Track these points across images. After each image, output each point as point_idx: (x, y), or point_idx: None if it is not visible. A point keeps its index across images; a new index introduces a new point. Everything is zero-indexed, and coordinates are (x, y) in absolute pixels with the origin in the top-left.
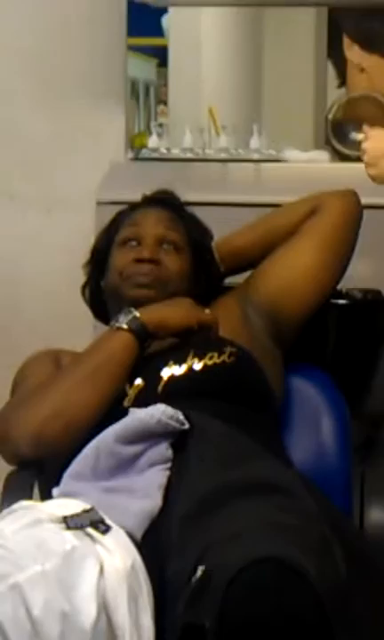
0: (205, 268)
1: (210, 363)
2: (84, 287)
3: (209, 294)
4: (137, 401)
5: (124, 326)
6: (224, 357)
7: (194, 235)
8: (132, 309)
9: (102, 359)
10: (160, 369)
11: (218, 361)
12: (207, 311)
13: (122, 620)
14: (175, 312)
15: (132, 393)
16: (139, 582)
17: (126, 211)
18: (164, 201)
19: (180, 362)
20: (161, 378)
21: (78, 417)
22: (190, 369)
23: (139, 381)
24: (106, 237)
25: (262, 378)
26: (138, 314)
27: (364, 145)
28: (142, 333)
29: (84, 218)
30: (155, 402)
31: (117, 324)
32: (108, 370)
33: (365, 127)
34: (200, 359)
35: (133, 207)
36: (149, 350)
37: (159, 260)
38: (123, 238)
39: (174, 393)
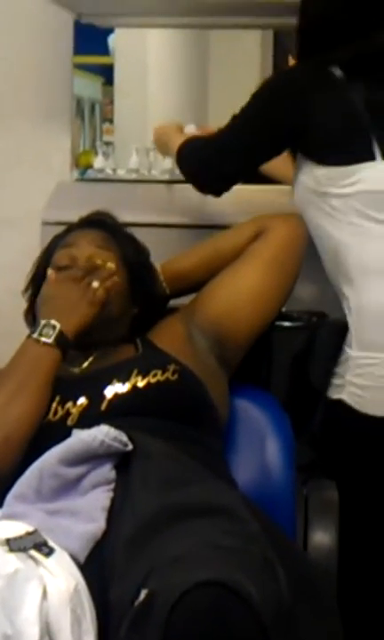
0: (142, 286)
1: (153, 380)
2: (26, 313)
3: (153, 315)
4: (81, 419)
5: (50, 341)
6: (168, 375)
7: (128, 253)
8: (53, 321)
9: (31, 375)
10: (104, 387)
11: (161, 378)
12: (95, 284)
13: None
14: (79, 306)
15: (75, 412)
16: (82, 605)
17: (61, 234)
18: (98, 222)
19: (123, 380)
20: (104, 396)
21: (16, 431)
22: (134, 387)
23: (82, 400)
24: (42, 259)
25: (206, 396)
26: (58, 324)
27: None
28: (64, 343)
29: (29, 238)
30: (98, 420)
31: (43, 340)
32: (38, 385)
33: None
34: (144, 377)
35: (68, 230)
36: (93, 368)
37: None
38: (56, 261)
39: (118, 411)
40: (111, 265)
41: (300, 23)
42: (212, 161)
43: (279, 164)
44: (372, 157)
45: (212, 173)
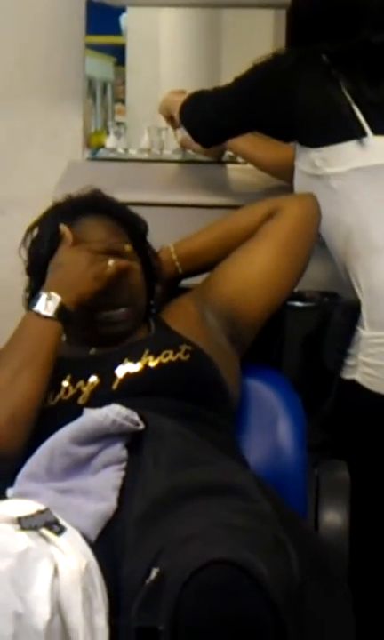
0: (149, 266)
1: (165, 360)
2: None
3: (165, 295)
4: (92, 399)
5: (51, 314)
6: (179, 355)
7: (138, 242)
8: (53, 294)
9: (33, 349)
10: (115, 367)
11: (173, 359)
12: (110, 262)
13: (76, 621)
14: (84, 279)
15: (86, 390)
16: (93, 584)
17: (63, 219)
18: (100, 207)
19: (135, 359)
20: (116, 375)
21: (21, 409)
22: (146, 366)
23: (93, 379)
24: (49, 248)
25: (218, 376)
26: (59, 297)
27: None
28: (66, 316)
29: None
30: (110, 399)
31: (44, 313)
32: (41, 360)
33: None
34: (155, 357)
35: (69, 214)
36: (104, 348)
37: (121, 282)
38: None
39: (129, 391)
40: (136, 266)
41: (289, 18)
42: (208, 114)
43: (245, 144)
44: (361, 134)
45: (206, 125)
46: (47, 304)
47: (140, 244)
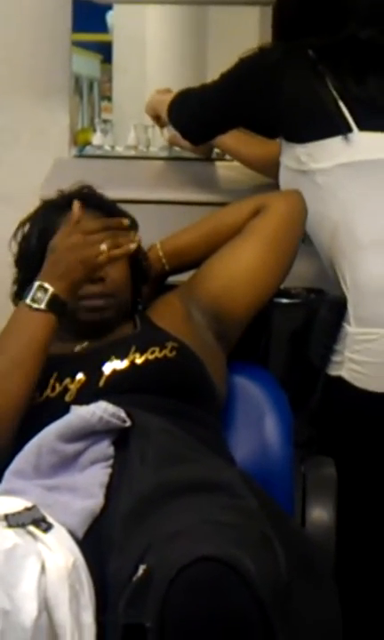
0: (138, 266)
1: (151, 357)
2: (15, 282)
3: (151, 293)
4: (78, 396)
5: (43, 307)
6: (166, 352)
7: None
8: (45, 284)
9: (25, 344)
10: (102, 364)
11: (159, 355)
12: (103, 247)
13: (63, 618)
14: (74, 267)
15: (73, 388)
16: (80, 580)
17: (55, 212)
18: (91, 201)
19: (121, 356)
20: (103, 373)
21: (10, 409)
22: (132, 363)
23: (80, 376)
24: (39, 240)
25: (204, 373)
26: (52, 288)
27: None
28: (59, 307)
29: (27, 214)
30: (96, 397)
31: (35, 306)
32: (33, 355)
33: None
34: (142, 354)
35: (60, 207)
36: (91, 345)
37: (105, 274)
38: None
39: (116, 388)
40: (136, 238)
41: (275, 12)
42: (196, 111)
43: (231, 141)
44: (347, 129)
45: (194, 122)
46: (38, 295)
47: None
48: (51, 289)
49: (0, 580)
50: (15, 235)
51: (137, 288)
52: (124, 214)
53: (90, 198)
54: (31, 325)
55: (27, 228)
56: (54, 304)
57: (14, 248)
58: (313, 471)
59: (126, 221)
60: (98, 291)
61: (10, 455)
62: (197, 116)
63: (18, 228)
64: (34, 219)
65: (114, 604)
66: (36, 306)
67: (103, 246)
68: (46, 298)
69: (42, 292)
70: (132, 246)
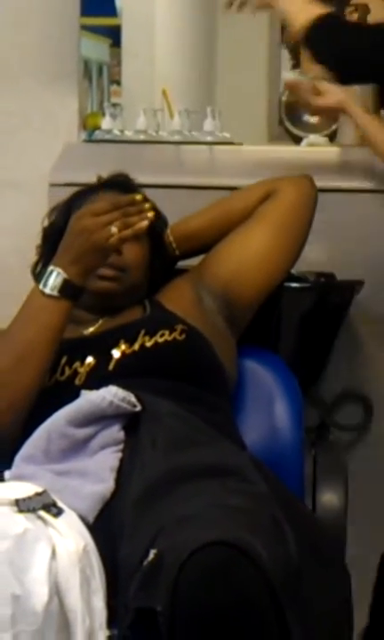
0: (160, 254)
1: (161, 340)
2: (35, 265)
3: (163, 277)
4: (88, 379)
5: (56, 293)
6: (175, 335)
7: (152, 222)
8: (58, 269)
9: (38, 331)
10: (111, 347)
11: (169, 338)
12: (113, 229)
13: (74, 602)
14: (85, 251)
15: (83, 371)
16: (91, 565)
17: (84, 194)
18: (122, 185)
19: (131, 340)
20: (112, 356)
21: (21, 398)
22: (142, 347)
23: (90, 360)
24: (64, 219)
25: (214, 356)
26: (64, 274)
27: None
28: (72, 293)
29: (37, 199)
30: (106, 380)
31: (48, 292)
32: (46, 343)
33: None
34: (151, 337)
35: (91, 190)
36: (100, 329)
37: (120, 249)
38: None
39: (126, 371)
40: (149, 206)
41: None
42: (359, 49)
43: (372, 124)
44: None
45: (353, 60)
46: (51, 281)
47: (153, 226)
48: (63, 274)
49: (11, 565)
50: (43, 220)
51: (153, 275)
52: (153, 204)
53: (122, 185)
54: (44, 313)
55: (56, 214)
56: (67, 290)
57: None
58: (323, 455)
59: (139, 196)
60: (111, 260)
61: (20, 440)
62: (360, 55)
63: (48, 214)
64: (63, 204)
65: (125, 588)
66: (48, 292)
67: (113, 229)
68: (59, 284)
69: (54, 277)
70: (144, 224)
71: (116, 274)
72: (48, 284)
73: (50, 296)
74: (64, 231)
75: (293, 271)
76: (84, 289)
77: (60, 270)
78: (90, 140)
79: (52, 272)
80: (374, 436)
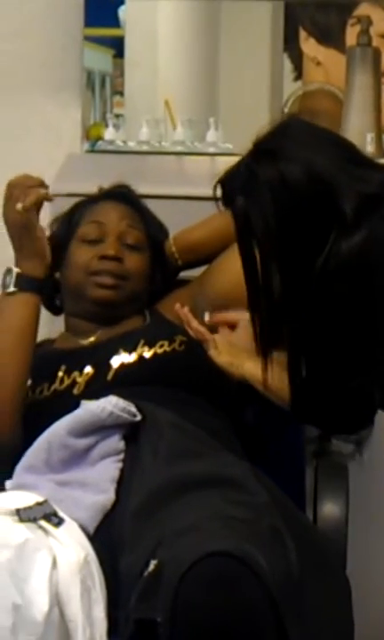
0: (161, 264)
1: (160, 351)
2: None
3: (164, 287)
4: (87, 389)
5: (12, 289)
6: (175, 345)
7: (153, 233)
8: (14, 268)
9: (6, 331)
10: (110, 357)
11: (168, 349)
12: (18, 206)
13: (74, 612)
14: (13, 234)
15: (81, 381)
16: (92, 575)
17: (85, 204)
18: (123, 196)
19: (130, 350)
20: (111, 366)
21: (7, 400)
22: (140, 357)
23: (88, 369)
24: (64, 229)
25: (213, 366)
26: (17, 269)
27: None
28: (31, 284)
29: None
30: (105, 390)
31: (9, 291)
32: (18, 340)
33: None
34: (150, 347)
35: (92, 200)
36: (99, 339)
37: (122, 258)
38: (85, 234)
39: (124, 381)
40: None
41: None
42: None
43: None
44: None
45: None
46: (7, 280)
47: (155, 237)
48: (16, 270)
49: (11, 575)
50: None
51: (154, 284)
52: (155, 218)
53: (123, 196)
54: (8, 311)
55: (57, 224)
56: (23, 283)
57: None
58: (325, 466)
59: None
60: (111, 268)
61: (21, 450)
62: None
63: (49, 225)
64: (65, 215)
65: (125, 598)
66: (8, 290)
67: (18, 205)
68: (14, 279)
69: (11, 276)
70: (42, 191)
71: (115, 282)
72: (6, 284)
73: (11, 294)
74: (65, 242)
75: None
76: (43, 279)
77: (13, 268)
78: (92, 151)
79: (9, 272)
80: (376, 447)
